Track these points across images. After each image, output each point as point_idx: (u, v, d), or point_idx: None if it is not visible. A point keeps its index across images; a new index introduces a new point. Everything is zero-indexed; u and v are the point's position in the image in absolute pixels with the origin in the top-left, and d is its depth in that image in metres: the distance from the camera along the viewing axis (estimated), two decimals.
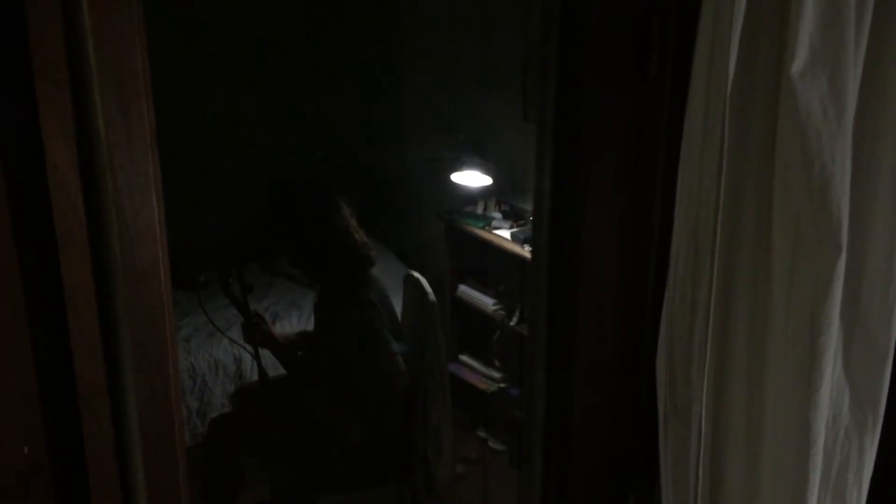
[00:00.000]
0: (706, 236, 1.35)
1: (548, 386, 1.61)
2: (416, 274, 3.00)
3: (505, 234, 3.80)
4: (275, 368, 3.69)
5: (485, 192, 3.98)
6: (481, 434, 4.00)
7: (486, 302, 3.94)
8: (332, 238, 2.66)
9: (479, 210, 4.02)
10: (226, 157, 4.59)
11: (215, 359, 3.74)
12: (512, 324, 3.79)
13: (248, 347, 2.91)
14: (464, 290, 4.08)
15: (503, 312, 3.88)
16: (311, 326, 3.69)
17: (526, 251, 3.58)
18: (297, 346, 2.90)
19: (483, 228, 3.88)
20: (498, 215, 3.93)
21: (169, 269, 0.96)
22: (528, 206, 3.85)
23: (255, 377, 3.32)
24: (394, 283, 3.37)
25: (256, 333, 2.78)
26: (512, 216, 3.88)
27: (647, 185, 1.49)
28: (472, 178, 3.84)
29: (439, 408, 2.90)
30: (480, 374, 4.06)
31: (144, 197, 0.95)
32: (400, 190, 4.74)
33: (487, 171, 3.80)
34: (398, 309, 2.96)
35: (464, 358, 4.17)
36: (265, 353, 2.98)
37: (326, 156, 4.74)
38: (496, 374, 4.01)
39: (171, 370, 0.99)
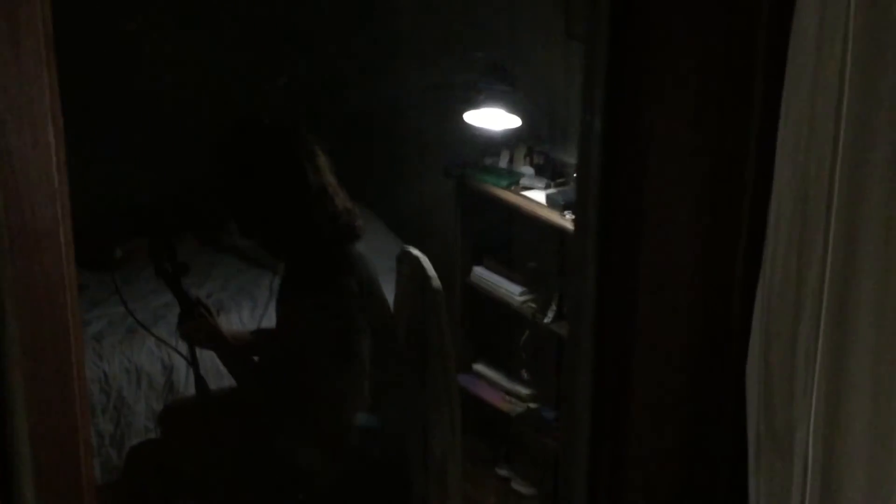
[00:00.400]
0: (818, 200, 1.34)
1: (595, 407, 1.62)
2: (416, 251, 3.00)
3: (538, 195, 3.79)
4: (218, 379, 3.71)
5: (511, 138, 3.98)
6: (502, 472, 4.02)
7: (511, 290, 3.95)
8: (302, 200, 2.67)
9: (503, 163, 4.02)
10: (153, 87, 4.60)
11: (137, 365, 3.76)
12: (546, 321, 3.80)
13: (183, 349, 2.92)
14: (480, 273, 4.08)
15: (534, 305, 3.88)
16: (270, 322, 3.72)
17: (567, 220, 3.58)
18: (252, 348, 2.91)
19: (508, 188, 3.88)
20: (528, 170, 3.93)
21: (72, 236, 0.96)
22: (571, 158, 3.84)
23: (192, 391, 3.34)
24: (385, 262, 3.38)
25: (198, 330, 2.80)
26: (548, 171, 3.88)
27: (737, 127, 1.48)
28: (493, 118, 3.83)
29: (444, 435, 2.91)
30: (502, 389, 4.08)
31: (37, 132, 0.95)
32: (394, 134, 4.75)
33: (514, 108, 3.79)
34: (390, 298, 2.97)
35: (479, 367, 4.19)
36: (206, 358, 2.99)
37: (292, 84, 4.74)
38: (523, 390, 4.02)
39: (74, 379, 0.99)
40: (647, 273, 1.56)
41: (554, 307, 3.78)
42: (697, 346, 1.60)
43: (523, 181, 3.88)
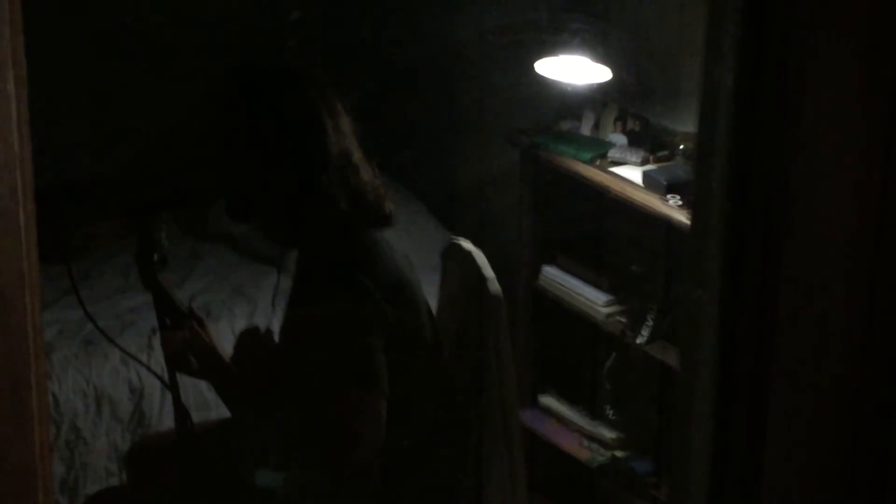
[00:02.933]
0: None
1: (715, 461, 1.61)
2: (467, 244, 3.01)
3: (632, 173, 3.79)
4: (203, 408, 3.72)
5: (597, 96, 3.97)
6: None
7: (594, 299, 3.95)
8: (318, 169, 2.67)
9: (586, 129, 4.02)
10: (125, 25, 4.63)
11: (97, 388, 3.79)
12: (640, 341, 3.79)
13: (159, 368, 2.93)
14: (552, 275, 4.09)
15: (623, 320, 3.88)
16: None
17: (671, 206, 3.57)
18: (256, 371, 2.91)
19: (592, 163, 3.88)
20: (620, 139, 3.92)
21: (34, 213, 0.96)
22: (678, 125, 3.84)
23: (168, 424, 3.35)
24: (426, 258, 3.38)
25: (190, 348, 2.81)
26: (645, 142, 3.88)
27: None
28: (573, 68, 3.82)
29: (502, 491, 2.92)
30: (578, 430, 4.08)
31: None
32: (442, 88, 4.75)
33: (603, 56, 3.78)
34: (433, 303, 2.97)
35: (548, 400, 4.20)
36: (189, 380, 3.00)
37: (307, 21, 4.75)
38: (607, 433, 4.02)
39: (34, 404, 0.99)
40: (791, 283, 1.54)
41: (651, 323, 3.77)
42: (856, 384, 1.58)
43: (612, 153, 3.88)
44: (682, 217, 3.46)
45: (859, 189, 1.51)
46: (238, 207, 2.82)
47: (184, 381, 2.93)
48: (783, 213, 1.50)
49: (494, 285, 2.87)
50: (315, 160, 2.67)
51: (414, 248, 3.00)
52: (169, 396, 2.94)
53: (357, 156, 2.74)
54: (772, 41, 1.46)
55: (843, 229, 1.52)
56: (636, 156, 3.83)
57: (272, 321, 3.60)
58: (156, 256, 2.77)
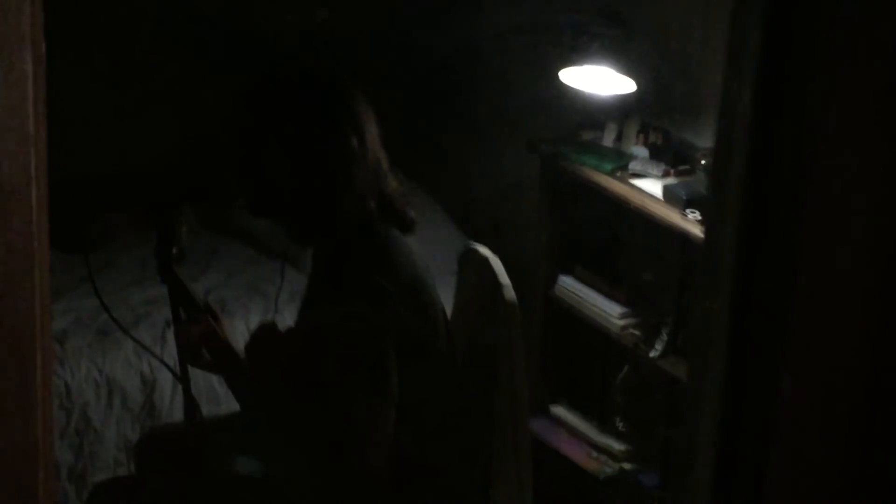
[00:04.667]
0: None
1: (718, 479, 1.60)
2: (484, 250, 3.01)
3: (652, 186, 3.79)
4: (214, 402, 3.73)
5: (620, 108, 3.97)
6: None
7: (609, 310, 3.95)
8: (349, 169, 2.68)
9: (608, 140, 4.02)
10: (151, 18, 4.64)
11: (109, 377, 3.80)
12: (653, 354, 3.79)
13: (171, 360, 2.94)
14: (568, 285, 4.09)
15: (637, 332, 3.88)
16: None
17: (690, 221, 3.56)
18: (269, 367, 2.91)
19: (613, 174, 3.88)
20: (641, 151, 3.92)
21: (47, 198, 0.96)
22: (700, 140, 3.83)
23: (178, 416, 3.35)
24: (443, 263, 3.37)
25: (204, 341, 2.81)
26: (667, 155, 3.88)
27: None
28: (597, 79, 3.82)
29: (509, 495, 2.91)
30: (588, 441, 4.08)
31: (12, 58, 0.96)
32: (464, 92, 4.75)
33: (628, 68, 3.78)
34: (448, 308, 2.97)
35: (559, 411, 4.20)
36: (200, 373, 3.00)
37: (332, 20, 4.75)
38: (616, 445, 4.02)
39: (38, 386, 1.00)
40: (804, 302, 1.53)
41: (665, 337, 3.77)
42: (868, 402, 1.57)
43: (633, 166, 3.88)
44: (700, 232, 3.46)
45: (876, 208, 1.50)
46: (260, 203, 2.81)
47: (195, 374, 2.94)
48: (797, 233, 1.50)
49: (510, 292, 2.87)
50: (349, 161, 2.68)
51: (431, 252, 2.99)
52: (180, 389, 2.94)
53: (385, 161, 2.76)
54: (793, 59, 1.46)
55: (858, 247, 1.51)
56: (657, 169, 3.83)
57: (276, 318, 3.62)
58: (174, 249, 2.78)
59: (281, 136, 2.69)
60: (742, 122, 1.52)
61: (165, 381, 3.79)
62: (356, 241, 2.74)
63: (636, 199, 3.75)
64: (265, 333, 2.90)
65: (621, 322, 3.90)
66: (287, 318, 3.74)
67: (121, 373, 3.80)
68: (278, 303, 4.03)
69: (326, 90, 2.74)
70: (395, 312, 2.68)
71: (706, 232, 1.70)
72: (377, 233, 2.75)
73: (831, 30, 1.46)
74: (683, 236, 3.60)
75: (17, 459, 1.01)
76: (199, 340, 2.81)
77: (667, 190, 3.70)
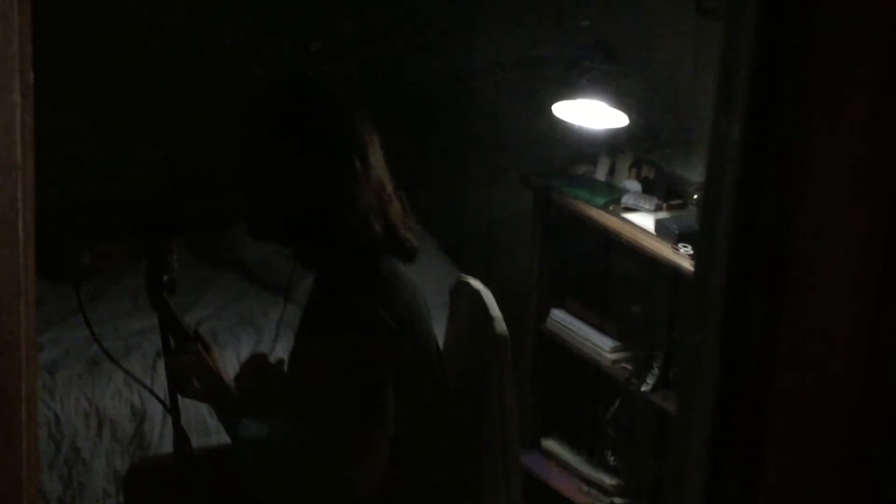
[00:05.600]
0: None
1: None
2: (476, 282, 3.01)
3: (645, 220, 3.79)
4: (204, 433, 3.71)
5: (613, 142, 3.97)
6: None
7: (600, 344, 3.94)
8: (357, 195, 2.68)
9: (601, 174, 4.02)
10: (143, 47, 4.65)
11: (99, 408, 3.79)
12: (644, 389, 3.78)
13: (162, 392, 2.93)
14: (560, 318, 4.08)
15: (629, 367, 3.87)
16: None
17: (682, 256, 3.57)
18: (260, 398, 2.90)
19: (605, 208, 3.88)
20: (634, 185, 3.92)
21: (34, 228, 0.96)
22: (692, 174, 3.84)
23: (168, 447, 3.34)
24: (435, 294, 3.37)
25: (194, 370, 2.80)
26: (660, 189, 3.88)
27: None
28: (591, 113, 3.83)
29: None
30: (578, 476, 4.07)
31: (1, 89, 0.96)
32: (457, 124, 4.75)
33: (621, 102, 3.79)
34: (440, 340, 2.96)
35: (550, 444, 4.18)
36: (190, 405, 2.99)
37: (327, 52, 4.76)
38: (607, 480, 4.01)
39: (23, 418, 0.99)
40: (791, 335, 1.53)
41: (656, 371, 3.77)
42: (857, 438, 1.57)
43: (626, 200, 3.88)
44: (692, 266, 3.45)
45: (862, 241, 1.51)
46: (260, 224, 2.81)
47: (185, 404, 2.93)
48: (785, 267, 1.50)
49: (501, 325, 2.86)
50: (351, 181, 2.68)
51: (423, 283, 2.99)
52: (170, 420, 2.93)
53: (390, 185, 2.76)
54: (779, 96, 1.46)
55: (844, 279, 1.51)
56: (649, 203, 3.83)
57: (275, 348, 3.62)
58: (165, 278, 2.77)
59: (281, 153, 2.70)
60: (731, 158, 1.52)
61: (156, 411, 3.78)
62: (358, 267, 2.74)
63: (628, 233, 3.75)
64: (256, 365, 2.90)
65: (613, 356, 3.89)
66: (278, 350, 3.74)
67: (111, 403, 3.80)
68: (278, 334, 4.03)
69: (329, 109, 2.75)
70: (392, 343, 2.68)
71: (695, 266, 1.70)
72: (380, 261, 2.74)
73: (818, 67, 1.46)
74: (675, 270, 3.60)
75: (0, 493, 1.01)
76: (189, 369, 2.79)
77: (659, 224, 3.71)
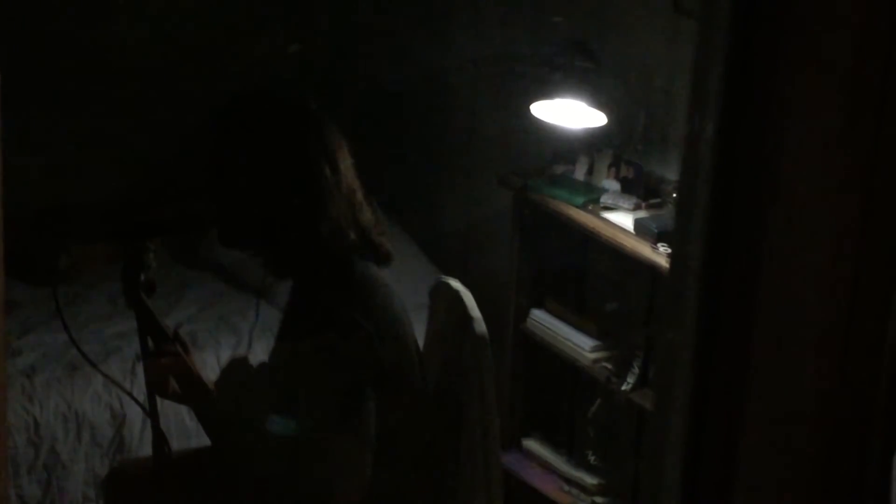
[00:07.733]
0: None
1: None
2: (455, 283, 3.01)
3: (624, 220, 3.81)
4: (184, 436, 3.71)
5: (592, 141, 3.98)
6: None
7: (580, 344, 3.95)
8: (328, 203, 2.67)
9: (580, 173, 4.03)
10: (118, 48, 4.65)
11: (78, 412, 3.79)
12: (625, 388, 3.80)
13: (141, 395, 2.93)
14: (540, 318, 4.09)
15: (609, 366, 3.88)
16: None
17: (661, 255, 3.58)
18: (240, 400, 2.90)
19: (584, 207, 3.89)
20: (613, 185, 3.94)
21: (2, 227, 0.97)
22: (671, 173, 3.85)
23: (147, 450, 3.34)
24: (414, 295, 3.38)
25: (173, 371, 2.80)
26: (638, 188, 3.90)
27: None
28: (569, 112, 3.84)
29: None
30: (559, 475, 4.08)
31: None
32: (435, 124, 4.76)
33: (599, 102, 3.80)
34: (420, 341, 2.97)
35: (531, 444, 4.19)
36: (169, 407, 2.99)
37: (303, 54, 4.76)
38: (588, 479, 4.02)
39: None
40: (766, 332, 1.54)
41: (636, 370, 3.78)
42: (830, 435, 1.58)
43: (605, 199, 3.89)
44: None
45: (836, 238, 1.52)
46: (230, 234, 2.81)
47: (165, 407, 2.93)
48: (759, 265, 1.51)
49: (480, 326, 2.87)
50: (322, 189, 2.68)
51: (402, 285, 3.00)
52: (149, 424, 2.93)
53: (360, 192, 2.76)
54: (753, 94, 1.48)
55: (818, 282, 1.52)
56: (628, 202, 3.84)
57: (254, 350, 3.61)
58: (143, 277, 2.76)
59: (250, 163, 2.70)
60: (704, 156, 1.53)
61: (135, 415, 3.78)
62: (333, 274, 2.74)
63: (607, 233, 3.77)
64: (236, 367, 2.90)
65: (593, 355, 3.90)
66: (258, 352, 3.74)
67: (90, 407, 3.79)
68: (252, 337, 4.03)
69: (297, 118, 2.75)
70: (371, 347, 2.68)
71: (671, 264, 1.71)
72: (354, 266, 2.74)
73: (792, 66, 1.48)
74: (654, 269, 3.62)
75: None
76: (168, 371, 2.79)
77: (638, 223, 3.72)
